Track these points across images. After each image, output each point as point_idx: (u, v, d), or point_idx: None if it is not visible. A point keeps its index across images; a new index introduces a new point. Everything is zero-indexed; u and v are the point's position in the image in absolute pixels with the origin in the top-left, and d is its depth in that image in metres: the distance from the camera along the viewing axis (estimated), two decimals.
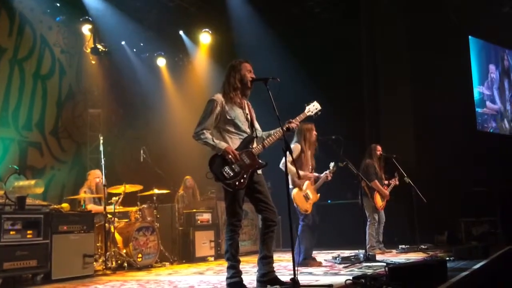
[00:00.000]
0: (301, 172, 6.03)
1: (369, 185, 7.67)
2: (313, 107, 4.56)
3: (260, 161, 4.23)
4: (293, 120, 4.37)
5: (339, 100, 9.89)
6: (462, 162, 9.98)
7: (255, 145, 4.29)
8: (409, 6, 10.78)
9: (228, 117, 4.21)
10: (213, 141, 4.14)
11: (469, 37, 11.61)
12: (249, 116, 4.36)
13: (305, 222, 6.20)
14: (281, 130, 4.19)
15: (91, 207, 7.11)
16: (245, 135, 4.27)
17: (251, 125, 4.36)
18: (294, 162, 5.33)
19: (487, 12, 11.03)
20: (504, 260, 6.18)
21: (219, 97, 4.26)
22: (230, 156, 4.07)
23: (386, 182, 8.03)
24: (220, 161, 4.11)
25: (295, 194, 6.09)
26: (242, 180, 4.09)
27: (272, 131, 4.37)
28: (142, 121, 10.29)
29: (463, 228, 8.61)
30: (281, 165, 5.77)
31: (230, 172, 4.09)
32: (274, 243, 5.30)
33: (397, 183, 8.06)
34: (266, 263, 4.16)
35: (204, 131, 4.18)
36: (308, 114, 4.53)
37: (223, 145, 4.13)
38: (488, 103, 12.07)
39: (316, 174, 6.44)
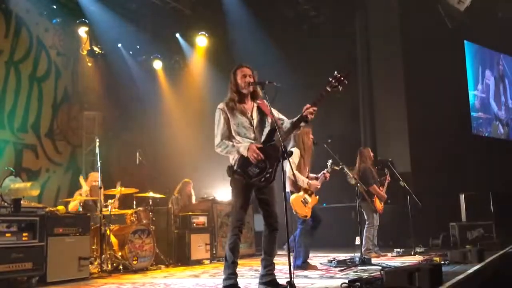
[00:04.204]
0: (304, 179, 6.04)
1: (366, 190, 7.65)
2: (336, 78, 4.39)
3: (283, 150, 4.08)
4: (311, 105, 4.20)
5: (334, 103, 9.90)
6: (457, 166, 10.02)
7: (277, 136, 4.16)
8: (405, 10, 10.84)
9: (232, 126, 4.21)
10: (234, 146, 4.15)
11: (465, 41, 11.68)
12: (254, 122, 4.29)
13: (303, 226, 6.19)
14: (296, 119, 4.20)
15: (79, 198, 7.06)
16: (251, 141, 4.22)
17: (261, 129, 4.31)
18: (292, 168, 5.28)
19: (482, 17, 11.11)
20: (499, 264, 6.19)
21: (222, 106, 4.26)
22: (254, 154, 4.06)
23: (382, 185, 8.01)
24: (244, 161, 4.11)
25: (293, 200, 6.01)
26: (268, 175, 4.10)
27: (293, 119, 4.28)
28: (138, 124, 10.27)
29: (457, 232, 8.63)
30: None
31: (255, 170, 4.09)
32: None
33: (389, 179, 8.04)
34: (267, 264, 4.21)
35: (224, 140, 4.19)
36: (328, 89, 4.36)
37: (245, 146, 4.11)
38: (483, 107, 12.14)
39: (314, 175, 6.43)
